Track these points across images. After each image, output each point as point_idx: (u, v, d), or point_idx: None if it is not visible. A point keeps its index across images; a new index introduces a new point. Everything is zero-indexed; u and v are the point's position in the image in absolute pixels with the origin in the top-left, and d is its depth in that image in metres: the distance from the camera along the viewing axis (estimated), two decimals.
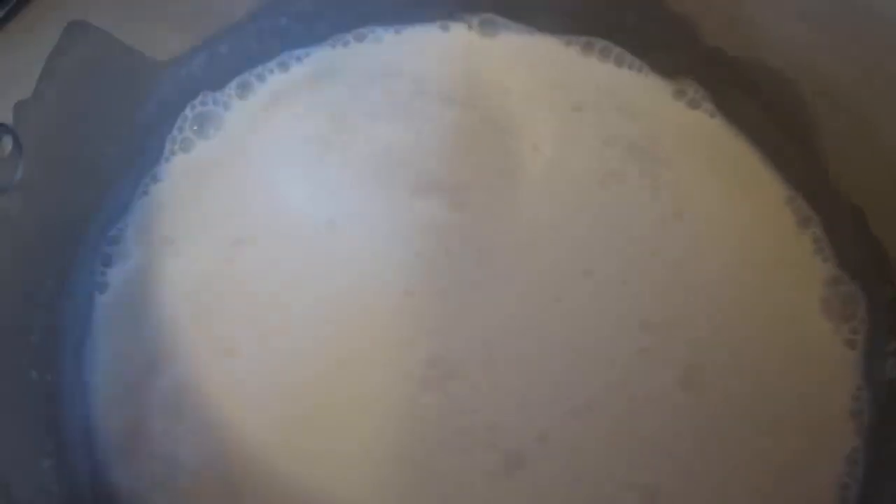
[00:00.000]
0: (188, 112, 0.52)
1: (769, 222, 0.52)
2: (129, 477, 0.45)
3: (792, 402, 0.48)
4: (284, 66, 0.55)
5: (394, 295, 0.49)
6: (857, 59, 0.47)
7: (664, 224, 0.52)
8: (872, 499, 0.46)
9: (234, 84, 0.54)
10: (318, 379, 0.47)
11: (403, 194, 0.52)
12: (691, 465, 0.46)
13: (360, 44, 0.56)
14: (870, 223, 0.50)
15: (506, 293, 0.50)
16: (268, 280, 0.50)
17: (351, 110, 0.54)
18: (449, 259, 0.50)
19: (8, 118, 0.40)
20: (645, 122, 0.55)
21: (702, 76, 0.55)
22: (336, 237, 0.51)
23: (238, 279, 0.50)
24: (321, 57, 0.55)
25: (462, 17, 0.57)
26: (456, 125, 0.54)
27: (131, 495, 0.45)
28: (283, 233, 0.51)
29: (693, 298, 0.50)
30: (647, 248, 0.51)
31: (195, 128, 0.53)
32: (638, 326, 0.49)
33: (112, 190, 0.49)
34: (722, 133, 0.54)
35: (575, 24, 0.56)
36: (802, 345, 0.49)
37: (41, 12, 0.41)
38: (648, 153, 0.54)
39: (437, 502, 0.45)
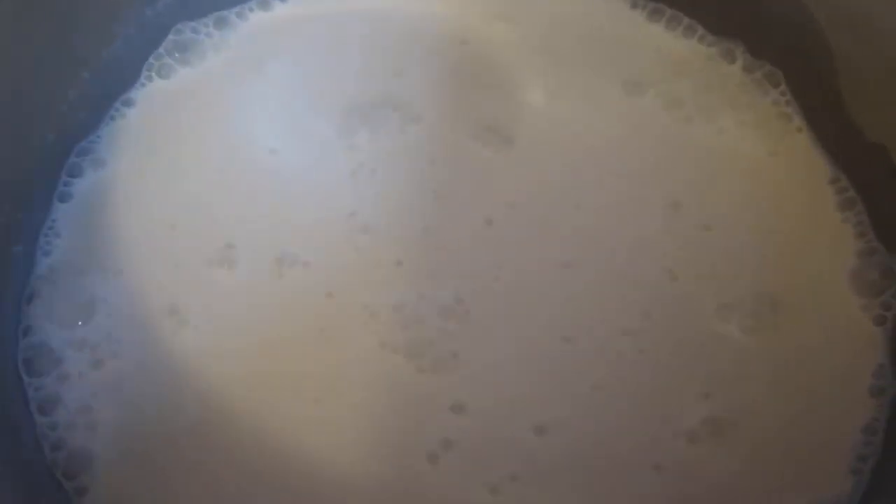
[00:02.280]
0: (167, 39, 0.52)
1: (810, 197, 0.50)
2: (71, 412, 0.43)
3: (813, 367, 0.46)
4: (266, 5, 0.53)
5: (364, 231, 0.48)
6: None
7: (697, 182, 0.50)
8: (887, 474, 0.44)
9: (211, 19, 0.52)
10: (278, 315, 0.46)
11: (389, 143, 0.50)
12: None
13: None
14: (893, 160, 0.48)
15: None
16: (233, 212, 0.48)
17: (336, 54, 0.52)
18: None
19: None
20: (701, 90, 0.52)
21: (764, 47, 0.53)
22: (310, 180, 0.49)
23: (203, 210, 0.48)
24: None
25: None
26: (454, 73, 0.52)
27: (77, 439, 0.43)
28: (257, 171, 0.49)
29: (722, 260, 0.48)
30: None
31: (176, 55, 0.52)
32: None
33: (76, 118, 0.48)
34: (765, 97, 0.52)
35: None
36: (830, 316, 0.47)
37: None
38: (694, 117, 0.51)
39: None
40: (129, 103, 0.51)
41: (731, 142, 0.50)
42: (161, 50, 0.52)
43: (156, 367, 0.44)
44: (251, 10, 0.53)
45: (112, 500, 0.42)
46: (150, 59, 0.51)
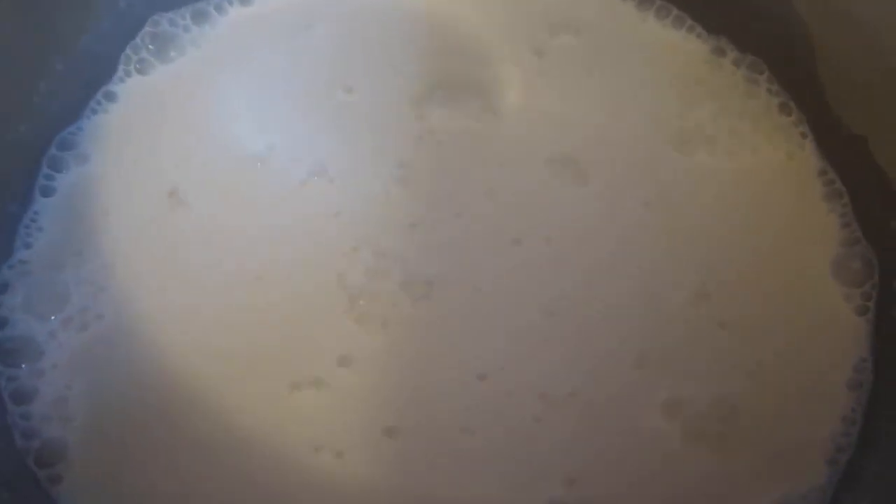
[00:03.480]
0: (143, 31, 0.51)
1: (797, 189, 0.50)
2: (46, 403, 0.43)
3: (795, 357, 0.46)
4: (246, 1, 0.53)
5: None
6: None
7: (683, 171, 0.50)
8: (862, 465, 0.44)
9: (187, 11, 0.52)
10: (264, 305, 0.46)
11: (368, 136, 0.50)
12: None
13: None
14: (873, 152, 0.48)
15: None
16: (216, 208, 0.48)
17: (316, 49, 0.52)
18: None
19: None
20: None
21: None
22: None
23: (185, 203, 0.48)
24: None
25: None
26: (437, 68, 0.52)
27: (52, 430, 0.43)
28: (238, 168, 0.49)
29: (706, 250, 0.48)
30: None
31: (154, 49, 0.51)
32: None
33: (50, 110, 0.48)
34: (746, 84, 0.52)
35: None
36: (813, 307, 0.48)
37: None
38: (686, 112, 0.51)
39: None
40: (111, 97, 0.50)
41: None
42: (138, 41, 0.51)
43: (133, 343, 0.45)
44: (230, 3, 0.53)
45: (87, 488, 0.42)
46: (127, 52, 0.51)
